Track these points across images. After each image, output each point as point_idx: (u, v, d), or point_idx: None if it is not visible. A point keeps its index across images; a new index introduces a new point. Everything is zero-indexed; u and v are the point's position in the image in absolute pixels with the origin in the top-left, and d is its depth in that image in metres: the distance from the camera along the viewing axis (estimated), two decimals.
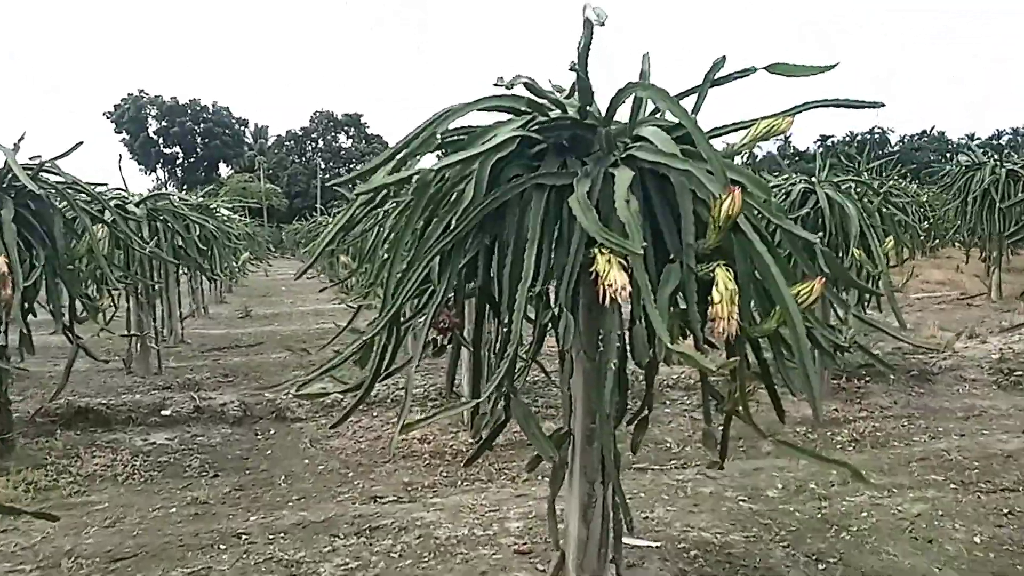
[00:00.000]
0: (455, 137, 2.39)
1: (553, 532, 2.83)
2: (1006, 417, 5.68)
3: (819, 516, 3.93)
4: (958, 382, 6.57)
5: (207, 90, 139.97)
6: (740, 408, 2.37)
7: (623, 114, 2.47)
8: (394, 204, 2.84)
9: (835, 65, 2.45)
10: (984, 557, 3.45)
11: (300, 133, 67.32)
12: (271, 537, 3.74)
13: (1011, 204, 9.78)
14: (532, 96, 2.43)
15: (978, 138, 46.13)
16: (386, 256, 2.41)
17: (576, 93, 2.47)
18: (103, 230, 4.82)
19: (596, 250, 2.19)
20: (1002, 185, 9.96)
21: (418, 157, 2.36)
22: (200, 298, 12.54)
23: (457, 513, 3.98)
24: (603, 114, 2.43)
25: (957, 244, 11.82)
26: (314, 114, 67.48)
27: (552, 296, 2.31)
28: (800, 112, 2.50)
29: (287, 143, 67.43)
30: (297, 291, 16.42)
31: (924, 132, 51.86)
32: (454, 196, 2.37)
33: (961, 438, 5.22)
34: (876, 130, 52.78)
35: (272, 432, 5.69)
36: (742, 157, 2.52)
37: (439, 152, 2.53)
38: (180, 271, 9.41)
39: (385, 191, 2.39)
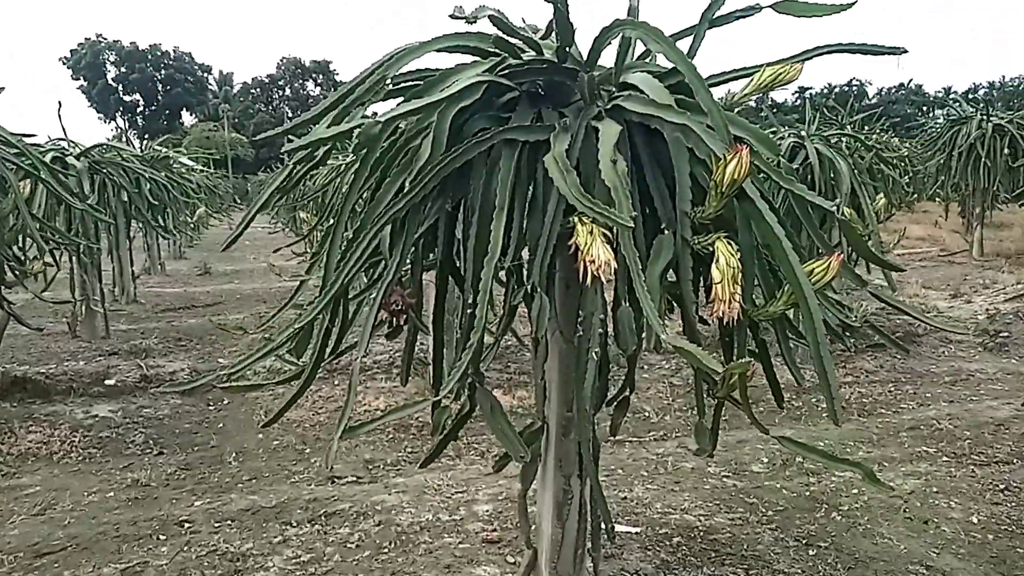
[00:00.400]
0: (409, 83, 2.01)
1: (524, 531, 2.55)
2: (993, 382, 5.50)
3: (807, 494, 3.70)
4: (943, 344, 6.39)
5: (168, 35, 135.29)
6: (736, 395, 2.08)
7: (608, 59, 2.10)
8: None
9: (853, 3, 2.11)
10: (983, 539, 3.24)
11: (267, 80, 65.37)
12: (216, 525, 3.42)
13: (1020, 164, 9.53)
14: (500, 34, 2.05)
15: (955, 92, 46.09)
16: (331, 223, 2.06)
17: (553, 31, 2.09)
18: (28, 187, 4.36)
19: (576, 219, 1.86)
20: (988, 140, 9.72)
21: (365, 106, 1.98)
22: (156, 255, 12.01)
23: (421, 495, 3.69)
24: (585, 57, 2.06)
25: (937, 199, 11.66)
26: (281, 60, 65.49)
27: (525, 272, 1.97)
28: (812, 58, 2.16)
29: (253, 91, 65.48)
30: (261, 246, 15.88)
31: (902, 85, 51.63)
32: (408, 154, 2.00)
33: (950, 404, 5.03)
34: (854, 82, 52.45)
35: (225, 403, 5.32)
36: (743, 110, 2.17)
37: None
38: (131, 227, 8.88)
39: (326, 147, 2.02)
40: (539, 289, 1.86)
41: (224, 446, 4.54)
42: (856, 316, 2.29)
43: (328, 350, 2.08)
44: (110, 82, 60.02)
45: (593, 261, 1.77)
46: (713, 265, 1.75)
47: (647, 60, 2.24)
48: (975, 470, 3.91)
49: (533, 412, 4.63)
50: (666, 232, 1.90)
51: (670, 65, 2.02)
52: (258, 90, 65.38)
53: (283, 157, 2.08)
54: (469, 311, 1.97)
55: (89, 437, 4.62)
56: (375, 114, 2.03)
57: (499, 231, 1.85)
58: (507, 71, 2.00)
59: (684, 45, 2.05)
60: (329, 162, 5.50)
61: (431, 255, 2.22)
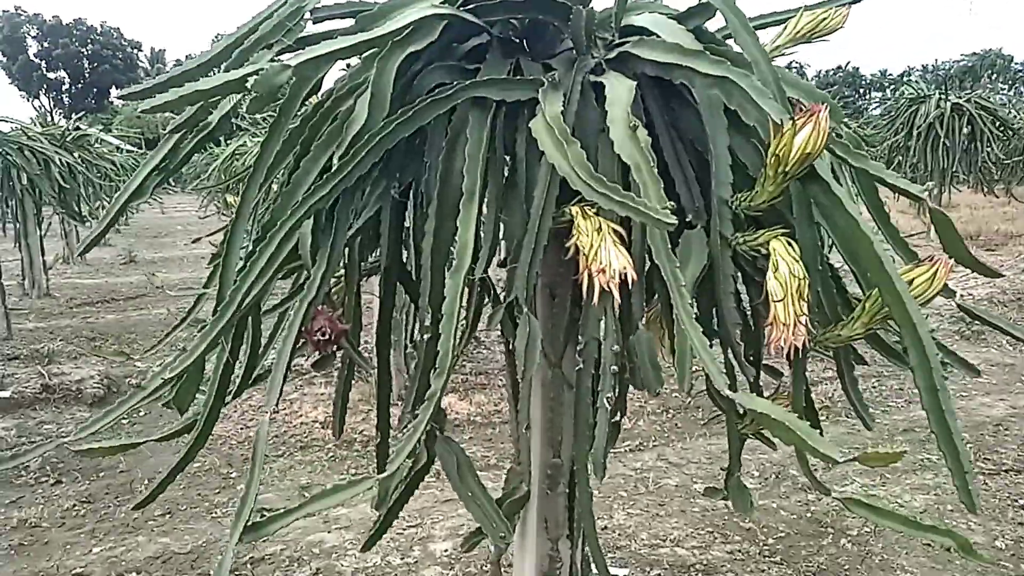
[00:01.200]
0: (336, 14, 1.45)
1: None
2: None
3: (808, 515, 3.27)
4: None
5: (93, 9, 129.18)
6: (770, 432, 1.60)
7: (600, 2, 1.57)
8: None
9: None
10: (1016, 570, 2.84)
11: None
12: None
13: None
14: None
15: (890, 74, 46.94)
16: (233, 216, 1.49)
17: None
18: None
19: (574, 211, 1.34)
20: (947, 119, 9.49)
21: (273, 50, 1.41)
22: (75, 242, 11.06)
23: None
24: None
25: None
26: (216, 37, 62.95)
27: (504, 285, 1.43)
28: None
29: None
30: (195, 230, 14.93)
31: (839, 67, 52.29)
32: (336, 119, 1.44)
33: None
34: (794, 65, 52.94)
35: (142, 414, 4.66)
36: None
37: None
38: (40, 212, 8.02)
39: (214, 107, 1.45)
40: (523, 309, 1.33)
41: (135, 471, 3.90)
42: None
43: (231, 391, 1.52)
44: (32, 58, 56.91)
45: (603, 270, 1.25)
46: (770, 274, 1.25)
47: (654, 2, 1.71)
48: (987, 481, 3.54)
49: (495, 424, 4.10)
50: (693, 227, 1.38)
51: (687, 5, 1.51)
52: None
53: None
54: (426, 337, 1.43)
55: None
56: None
57: (469, 228, 1.30)
58: (472, 5, 1.45)
59: None
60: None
61: (370, 256, 1.67)
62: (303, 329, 1.35)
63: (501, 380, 5.19)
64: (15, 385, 4.91)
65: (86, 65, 57.66)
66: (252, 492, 1.29)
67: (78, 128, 9.39)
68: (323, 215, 1.42)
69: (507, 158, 1.44)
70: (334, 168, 1.35)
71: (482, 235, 1.39)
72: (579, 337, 1.40)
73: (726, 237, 1.34)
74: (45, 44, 56.79)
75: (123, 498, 3.58)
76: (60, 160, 7.11)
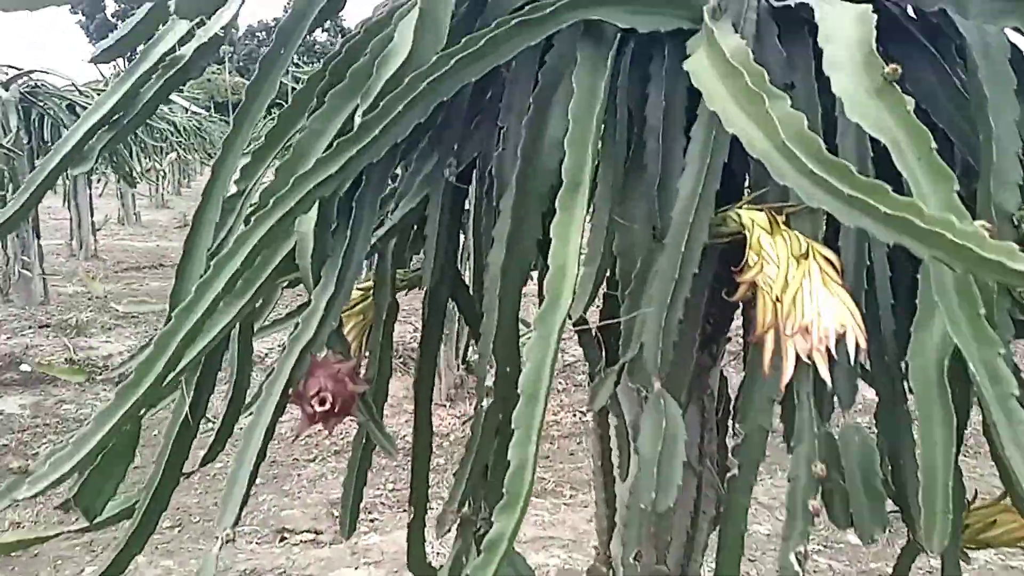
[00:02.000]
0: None
1: None
2: None
3: None
4: None
5: None
6: None
7: None
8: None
9: None
10: None
11: (273, 24, 63.40)
12: None
13: None
14: None
15: None
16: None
17: None
18: None
19: (750, 219, 0.78)
20: None
21: None
22: (131, 203, 10.88)
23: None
24: None
25: None
26: (288, 4, 63.48)
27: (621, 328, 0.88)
28: None
29: (259, 34, 63.49)
30: None
31: None
32: (366, 55, 0.91)
33: None
34: None
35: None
36: None
37: None
38: (92, 171, 7.76)
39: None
40: (652, 383, 0.79)
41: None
42: None
43: (180, 463, 1.02)
44: (109, 18, 58.09)
45: (806, 329, 0.70)
46: None
47: None
48: None
49: (552, 436, 3.57)
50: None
51: None
52: (263, 34, 63.39)
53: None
54: (499, 384, 0.90)
55: None
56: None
57: (570, 239, 0.76)
58: None
59: None
60: None
61: (409, 263, 1.16)
62: (296, 391, 0.83)
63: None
64: (39, 356, 4.58)
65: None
66: None
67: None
68: (335, 206, 0.90)
69: (631, 125, 0.89)
70: (354, 130, 0.82)
71: (586, 251, 0.85)
72: (734, 425, 0.86)
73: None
74: (121, 4, 57.93)
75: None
76: None
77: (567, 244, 0.75)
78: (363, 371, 1.02)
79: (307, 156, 0.87)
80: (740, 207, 0.81)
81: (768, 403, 0.84)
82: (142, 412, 0.84)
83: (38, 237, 5.92)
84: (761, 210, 0.79)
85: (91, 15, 57.11)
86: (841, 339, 0.70)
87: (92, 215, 7.94)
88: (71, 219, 7.88)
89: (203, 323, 0.77)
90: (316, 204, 0.85)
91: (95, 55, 1.04)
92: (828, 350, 0.71)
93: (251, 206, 0.87)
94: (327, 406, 0.81)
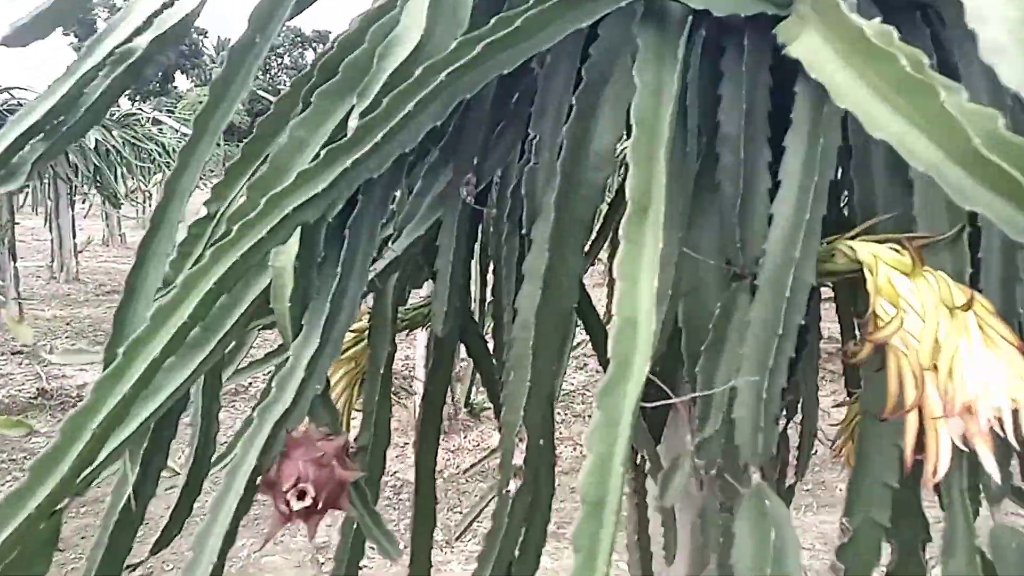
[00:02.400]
0: None
1: None
2: None
3: None
4: None
5: None
6: None
7: None
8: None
9: None
10: None
11: (328, 32, 63.98)
12: None
13: None
14: None
15: None
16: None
17: None
18: None
19: (873, 258, 0.56)
20: None
21: None
22: (115, 224, 10.64)
23: None
24: None
25: None
26: (281, 29, 63.85)
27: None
28: None
29: (314, 44, 64.14)
30: None
31: None
32: (365, 44, 0.72)
33: None
34: None
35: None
36: None
37: None
38: (74, 192, 7.54)
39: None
40: (751, 475, 0.59)
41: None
42: None
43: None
44: None
45: (970, 407, 0.50)
46: None
47: None
48: None
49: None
50: None
51: None
52: (319, 44, 63.91)
53: None
54: (531, 460, 0.71)
55: None
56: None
57: (642, 280, 0.57)
58: None
59: None
60: None
61: (408, 299, 0.96)
62: (266, 478, 0.64)
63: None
64: (10, 386, 4.33)
65: None
66: None
67: (142, 111, 9.02)
68: (322, 233, 0.70)
69: (700, 133, 0.71)
70: (348, 136, 0.63)
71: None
72: (845, 521, 0.66)
73: None
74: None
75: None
76: (96, 139, 6.61)
77: (636, 286, 0.55)
78: (354, 437, 0.82)
79: (287, 170, 0.68)
80: (853, 237, 0.62)
81: (885, 490, 0.64)
82: (58, 507, 0.64)
83: (14, 259, 5.69)
84: (882, 241, 0.60)
85: (84, 37, 57.16)
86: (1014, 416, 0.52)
87: (74, 236, 7.71)
88: (52, 241, 7.65)
89: (135, 395, 0.57)
90: (298, 231, 0.66)
91: (5, 36, 0.84)
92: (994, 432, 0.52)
93: (205, 234, 0.68)
94: (307, 500, 0.60)
